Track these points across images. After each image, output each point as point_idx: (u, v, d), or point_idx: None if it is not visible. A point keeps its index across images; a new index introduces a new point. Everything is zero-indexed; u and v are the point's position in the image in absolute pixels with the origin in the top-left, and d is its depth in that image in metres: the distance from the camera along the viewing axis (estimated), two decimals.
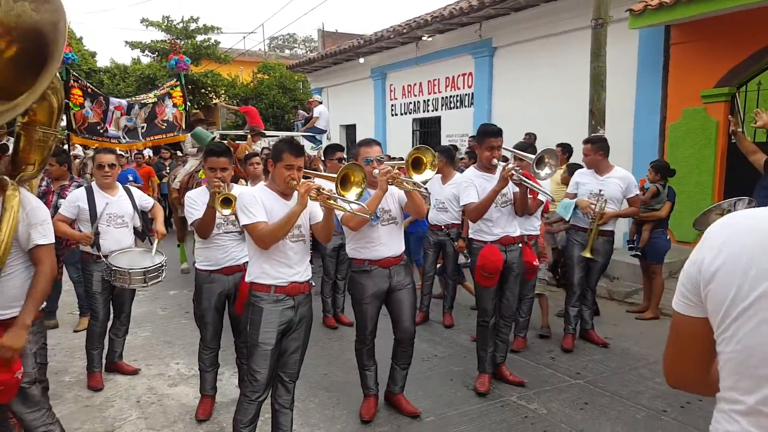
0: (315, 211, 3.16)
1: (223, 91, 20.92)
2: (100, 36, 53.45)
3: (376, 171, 3.41)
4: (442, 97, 11.90)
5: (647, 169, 6.03)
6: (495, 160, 4.03)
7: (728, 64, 6.99)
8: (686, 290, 1.24)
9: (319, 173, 3.64)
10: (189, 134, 8.09)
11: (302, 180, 3.07)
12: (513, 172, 3.85)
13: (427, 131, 12.63)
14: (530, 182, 3.99)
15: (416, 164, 3.51)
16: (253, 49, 26.72)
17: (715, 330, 1.19)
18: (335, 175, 3.01)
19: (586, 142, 5.12)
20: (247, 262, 3.28)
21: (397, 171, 3.34)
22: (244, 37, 48.19)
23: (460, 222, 5.61)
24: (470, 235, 4.31)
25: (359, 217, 3.33)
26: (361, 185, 3.04)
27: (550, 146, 6.59)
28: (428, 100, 12.32)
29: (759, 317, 1.10)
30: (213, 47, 21.43)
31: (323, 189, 2.94)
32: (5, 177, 2.54)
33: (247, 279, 3.13)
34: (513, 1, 8.82)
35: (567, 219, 5.12)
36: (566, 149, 6.57)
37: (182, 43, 21.15)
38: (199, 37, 21.24)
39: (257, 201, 2.99)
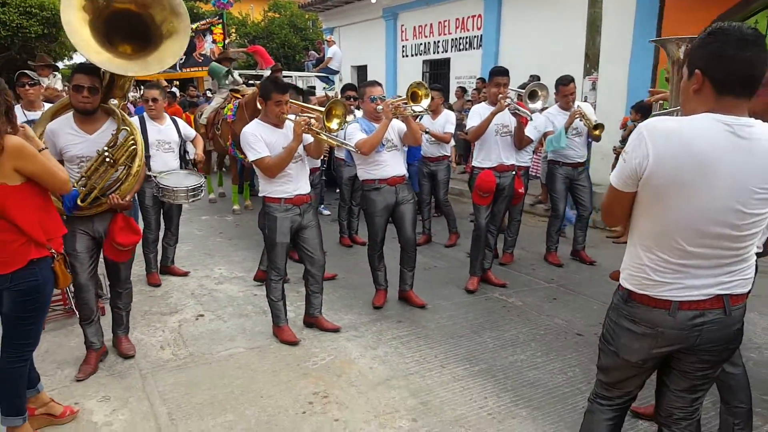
0: (306, 136, 3.87)
1: (233, 30, 21.28)
2: None
3: (380, 107, 4.22)
4: (452, 39, 12.37)
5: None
6: (500, 96, 4.76)
7: (715, 11, 7.50)
8: (627, 176, 1.87)
9: (303, 105, 4.44)
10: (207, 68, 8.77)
11: (292, 115, 3.86)
12: (508, 100, 4.64)
13: (437, 73, 13.15)
14: (521, 109, 4.78)
15: (413, 97, 4.31)
16: None
17: (647, 203, 1.86)
18: (318, 108, 3.96)
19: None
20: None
21: (399, 103, 4.16)
22: None
23: (449, 154, 6.52)
24: (473, 163, 5.15)
25: (371, 143, 4.15)
26: (341, 117, 3.88)
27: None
28: (438, 42, 12.80)
29: (678, 201, 1.78)
30: None
31: (313, 125, 3.74)
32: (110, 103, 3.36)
33: (260, 194, 3.96)
34: None
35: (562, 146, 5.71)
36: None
37: None
38: None
39: (259, 138, 3.76)
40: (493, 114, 4.71)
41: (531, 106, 4.88)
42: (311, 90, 6.69)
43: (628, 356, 2.02)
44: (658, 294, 1.90)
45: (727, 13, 7.35)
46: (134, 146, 3.31)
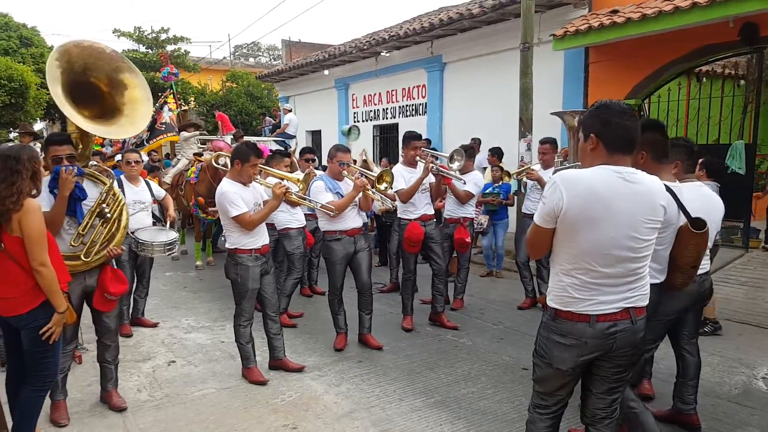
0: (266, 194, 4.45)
1: (192, 99, 21.83)
2: None
3: (345, 173, 4.88)
4: (400, 106, 13.26)
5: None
6: (417, 158, 5.43)
7: (634, 80, 8.49)
8: (547, 216, 2.36)
9: (268, 169, 4.93)
10: (182, 135, 9.23)
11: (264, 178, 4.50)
12: (433, 165, 5.26)
13: (387, 137, 13.95)
14: (444, 171, 5.42)
15: (379, 179, 4.88)
16: (218, 57, 27.67)
17: (564, 235, 2.34)
18: (277, 171, 4.81)
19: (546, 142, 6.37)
20: None
21: (367, 183, 4.73)
22: (210, 47, 48.74)
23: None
24: (398, 215, 5.64)
25: (342, 207, 4.71)
26: (304, 183, 4.56)
27: (492, 147, 8.17)
28: (387, 109, 13.67)
29: (588, 232, 2.28)
30: (183, 57, 22.36)
31: (290, 190, 4.30)
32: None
33: (229, 246, 4.29)
34: (459, 23, 10.25)
35: None
36: (495, 152, 8.04)
37: (152, 52, 22.03)
38: (170, 47, 22.15)
39: (239, 195, 4.16)
40: (422, 179, 5.27)
41: (453, 166, 5.54)
42: (288, 153, 7.29)
43: (560, 365, 2.43)
44: (579, 309, 2.35)
45: (643, 82, 8.36)
46: (122, 200, 3.65)
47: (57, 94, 3.37)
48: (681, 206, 2.98)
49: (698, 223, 2.92)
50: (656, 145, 3.00)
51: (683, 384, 3.62)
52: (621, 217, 2.27)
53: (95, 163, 3.80)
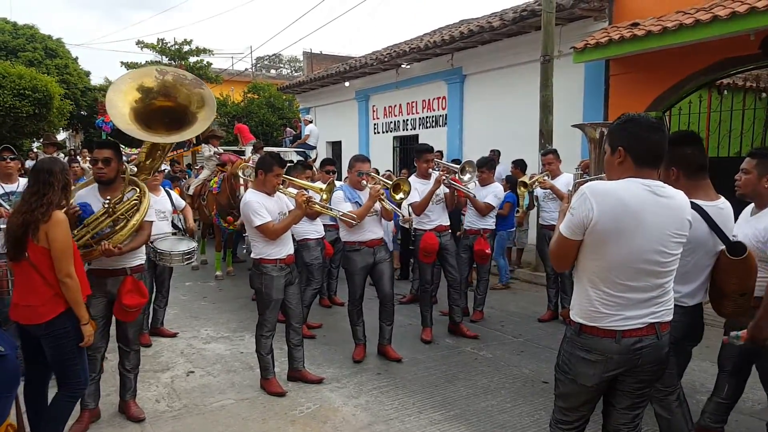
0: (286, 200, 4.47)
1: None
2: (97, 57, 55.06)
3: (365, 183, 4.88)
4: (420, 118, 13.28)
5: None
6: (430, 170, 5.45)
7: (655, 92, 8.42)
8: (575, 227, 2.32)
9: (291, 179, 4.89)
10: (204, 148, 9.36)
11: (286, 187, 4.48)
12: (444, 177, 5.28)
13: (407, 148, 13.95)
14: (456, 185, 5.45)
15: (396, 188, 4.89)
16: (240, 69, 28.05)
17: (592, 247, 2.30)
18: (300, 181, 4.75)
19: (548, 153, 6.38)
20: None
21: (383, 191, 4.75)
22: (232, 59, 49.37)
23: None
24: (414, 225, 5.65)
25: (361, 215, 4.69)
26: (329, 192, 4.51)
27: (515, 159, 8.12)
28: (407, 120, 13.70)
29: (617, 245, 2.25)
30: (205, 68, 22.70)
31: (312, 199, 4.33)
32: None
33: (255, 256, 4.33)
34: (479, 36, 10.26)
35: None
36: (518, 164, 7.97)
37: (175, 63, 22.41)
38: (192, 59, 22.52)
39: (262, 205, 4.20)
40: (433, 191, 5.28)
41: (464, 178, 5.54)
42: (308, 164, 7.37)
43: (584, 381, 2.39)
44: (605, 325, 2.31)
45: (664, 94, 8.26)
46: (136, 202, 3.60)
47: (116, 107, 3.55)
48: (715, 228, 2.84)
49: (737, 249, 2.76)
50: (687, 160, 2.87)
51: (724, 405, 3.41)
52: (650, 230, 2.24)
53: (134, 168, 3.86)
